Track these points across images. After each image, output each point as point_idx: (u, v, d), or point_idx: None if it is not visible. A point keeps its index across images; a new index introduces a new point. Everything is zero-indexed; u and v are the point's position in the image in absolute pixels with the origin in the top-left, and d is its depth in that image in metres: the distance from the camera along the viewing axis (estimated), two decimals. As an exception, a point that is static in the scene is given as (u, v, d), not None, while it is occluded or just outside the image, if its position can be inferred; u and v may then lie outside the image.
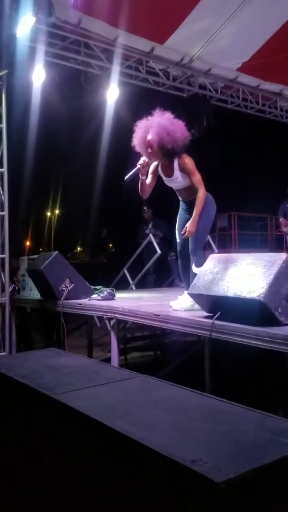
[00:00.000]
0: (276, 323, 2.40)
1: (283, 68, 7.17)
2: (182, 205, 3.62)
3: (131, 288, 6.28)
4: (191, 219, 3.33)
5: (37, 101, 5.80)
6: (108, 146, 7.81)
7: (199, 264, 3.22)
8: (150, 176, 3.51)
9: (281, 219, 7.46)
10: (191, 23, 5.93)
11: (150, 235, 6.46)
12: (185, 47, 6.52)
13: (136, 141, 3.33)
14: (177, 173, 3.37)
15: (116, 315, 3.30)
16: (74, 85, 6.05)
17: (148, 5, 5.52)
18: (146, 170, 3.41)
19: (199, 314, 2.81)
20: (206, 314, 2.78)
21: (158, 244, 6.35)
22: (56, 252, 4.14)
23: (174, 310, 3.19)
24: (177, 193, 3.60)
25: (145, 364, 5.25)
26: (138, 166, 3.31)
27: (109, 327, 5.90)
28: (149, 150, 3.27)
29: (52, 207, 29.54)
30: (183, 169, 3.34)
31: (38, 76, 5.57)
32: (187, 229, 3.30)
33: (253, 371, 3.72)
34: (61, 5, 5.32)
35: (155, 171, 3.50)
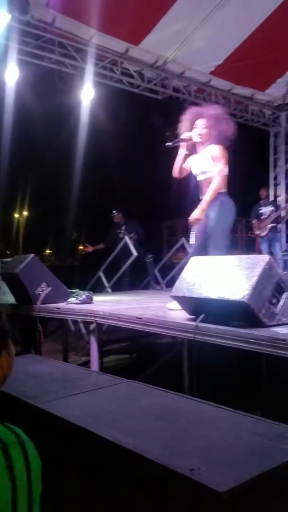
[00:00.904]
0: (260, 324, 2.40)
1: (255, 73, 7.29)
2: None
3: (107, 291, 6.21)
4: (199, 206, 3.34)
5: (11, 100, 5.67)
6: (82, 147, 7.72)
7: None
8: (187, 166, 3.60)
9: (254, 222, 7.56)
10: (166, 25, 5.94)
11: (126, 237, 6.41)
12: (160, 49, 6.54)
13: (187, 117, 3.52)
14: (208, 157, 3.43)
15: (97, 319, 3.24)
16: (49, 84, 5.96)
17: (123, 7, 5.50)
18: (188, 146, 3.51)
19: (182, 316, 2.79)
20: (189, 316, 2.76)
21: (133, 246, 6.30)
22: (32, 255, 4.03)
23: (169, 309, 3.21)
24: (200, 188, 3.60)
25: (121, 367, 5.19)
26: (182, 137, 3.45)
27: (83, 331, 5.84)
28: (198, 129, 3.44)
29: (20, 209, 29.04)
30: (214, 156, 3.40)
31: (12, 75, 5.44)
32: (192, 217, 3.33)
33: (231, 372, 3.73)
34: (36, 4, 5.23)
35: (189, 164, 3.58)
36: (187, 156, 3.56)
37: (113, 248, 6.66)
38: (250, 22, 6.26)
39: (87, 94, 6.22)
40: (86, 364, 4.43)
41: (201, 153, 3.51)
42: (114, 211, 7.22)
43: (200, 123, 3.45)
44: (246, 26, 6.32)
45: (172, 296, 2.93)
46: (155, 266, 7.13)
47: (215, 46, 6.52)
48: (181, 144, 3.51)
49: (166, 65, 6.81)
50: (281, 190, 9.04)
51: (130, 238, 6.50)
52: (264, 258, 2.57)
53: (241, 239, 11.66)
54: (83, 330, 5.86)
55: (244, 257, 2.78)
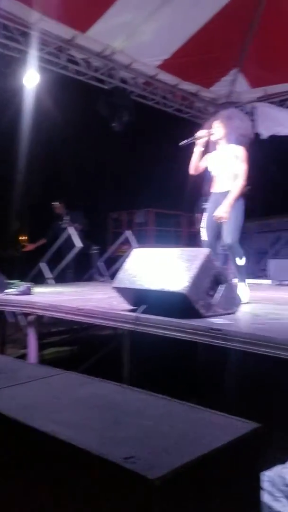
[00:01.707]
0: (197, 315, 2.47)
1: (200, 69, 7.39)
2: (215, 198, 3.74)
3: (48, 283, 6.09)
4: (224, 202, 3.49)
5: None
6: (25, 134, 7.47)
7: (241, 255, 3.52)
8: (203, 164, 3.78)
9: (198, 216, 7.70)
10: (114, 14, 5.87)
11: (70, 228, 6.29)
12: (107, 39, 6.45)
13: (208, 123, 3.84)
14: (230, 156, 3.63)
15: (36, 310, 3.17)
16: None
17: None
18: (204, 142, 3.70)
19: (123, 307, 2.80)
20: (130, 307, 2.77)
21: (78, 237, 6.20)
22: None
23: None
24: (215, 182, 3.76)
25: (62, 360, 5.13)
26: (196, 135, 3.66)
27: (23, 323, 5.68)
28: (217, 125, 3.67)
29: None
30: (236, 155, 3.62)
31: None
32: (219, 214, 3.47)
33: (171, 361, 3.80)
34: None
35: (205, 161, 3.77)
36: (202, 153, 3.74)
37: (55, 241, 6.51)
38: (197, 19, 6.34)
39: (31, 79, 6.03)
40: (25, 356, 4.34)
41: (222, 152, 3.71)
42: (54, 203, 7.02)
43: (215, 123, 3.73)
44: (193, 23, 6.39)
45: (113, 287, 2.93)
46: (100, 258, 7.09)
47: (162, 40, 6.54)
48: (197, 142, 3.69)
49: (113, 55, 6.74)
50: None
51: (74, 228, 6.40)
52: (204, 251, 2.64)
53: (184, 234, 11.86)
54: (22, 322, 5.71)
55: (185, 249, 2.83)
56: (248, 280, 4.42)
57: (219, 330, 2.16)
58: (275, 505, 1.50)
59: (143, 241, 10.27)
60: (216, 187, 3.75)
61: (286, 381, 2.76)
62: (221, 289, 2.63)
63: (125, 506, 1.15)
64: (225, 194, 3.63)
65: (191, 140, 3.70)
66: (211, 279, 2.59)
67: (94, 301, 3.33)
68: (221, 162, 3.69)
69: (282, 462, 1.89)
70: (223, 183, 3.69)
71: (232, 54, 7.25)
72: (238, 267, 3.55)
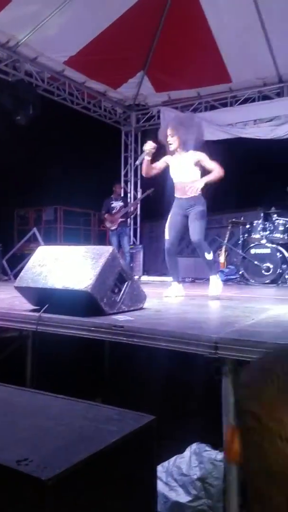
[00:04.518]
0: (102, 313, 2.47)
1: (107, 69, 7.42)
2: (179, 203, 3.80)
3: None
4: (201, 180, 3.66)
5: None
6: None
7: (209, 250, 3.69)
8: (159, 165, 3.88)
9: (106, 215, 7.74)
10: (20, 5, 5.68)
11: None
12: (12, 30, 6.22)
13: (161, 131, 3.89)
14: (190, 163, 3.71)
15: None
16: None
17: None
18: (151, 153, 3.78)
19: (26, 307, 2.71)
20: (32, 307, 2.69)
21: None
22: None
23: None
24: (178, 189, 3.82)
25: None
26: (144, 149, 3.77)
27: None
28: (169, 138, 3.72)
29: None
30: (198, 160, 3.70)
31: None
32: (195, 186, 3.62)
33: (77, 361, 3.77)
34: None
35: (164, 163, 3.86)
36: (151, 161, 3.84)
37: None
38: (104, 18, 6.36)
39: None
40: None
41: (182, 160, 3.76)
42: None
43: (169, 132, 3.76)
44: (100, 21, 6.40)
45: (15, 287, 2.83)
46: (4, 256, 6.80)
47: (69, 36, 6.47)
48: (146, 155, 3.78)
49: (18, 47, 6.51)
50: (131, 186, 9.42)
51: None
52: (108, 249, 2.65)
53: (94, 232, 11.84)
54: None
55: (90, 247, 2.82)
56: (153, 278, 4.52)
57: (121, 327, 2.18)
58: (171, 494, 1.55)
59: (51, 239, 10.06)
60: (180, 193, 3.83)
61: (183, 372, 2.88)
62: (125, 286, 2.66)
63: (21, 509, 1.12)
64: (190, 199, 3.74)
65: (142, 158, 3.81)
66: (115, 277, 2.61)
67: (-6, 302, 3.18)
68: (182, 170, 3.77)
69: (180, 452, 1.97)
70: (186, 189, 3.76)
71: (138, 57, 7.38)
72: (208, 261, 3.70)
